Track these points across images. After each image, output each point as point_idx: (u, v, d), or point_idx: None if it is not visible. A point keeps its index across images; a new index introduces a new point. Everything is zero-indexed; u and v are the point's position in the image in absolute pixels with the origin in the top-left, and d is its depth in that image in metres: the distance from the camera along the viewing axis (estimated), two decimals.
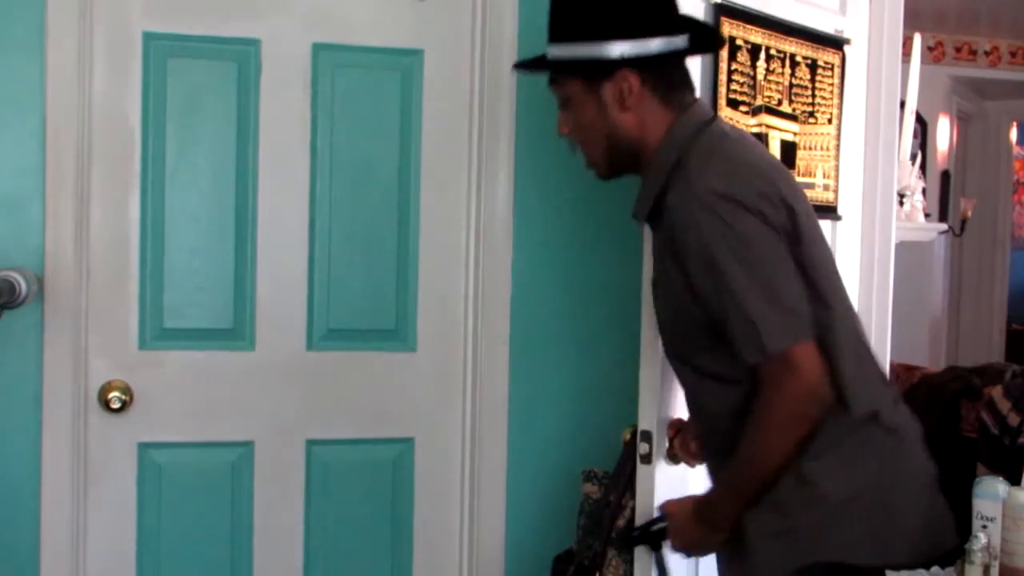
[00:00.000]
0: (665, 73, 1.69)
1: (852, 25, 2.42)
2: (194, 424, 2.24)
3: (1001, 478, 1.74)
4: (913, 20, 2.93)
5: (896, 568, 1.58)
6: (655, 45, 1.65)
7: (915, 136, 4.11)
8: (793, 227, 1.61)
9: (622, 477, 2.02)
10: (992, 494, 1.71)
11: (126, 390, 2.18)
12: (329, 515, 2.32)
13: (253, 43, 2.23)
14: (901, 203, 3.43)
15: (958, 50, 5.87)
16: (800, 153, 2.25)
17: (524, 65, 1.90)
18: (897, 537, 1.63)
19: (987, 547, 1.66)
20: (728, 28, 2.04)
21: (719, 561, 1.79)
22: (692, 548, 1.78)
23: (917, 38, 3.64)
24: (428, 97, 2.32)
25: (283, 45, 2.24)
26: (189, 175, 2.22)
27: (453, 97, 2.32)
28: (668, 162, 1.65)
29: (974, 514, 1.72)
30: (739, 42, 2.07)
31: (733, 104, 2.07)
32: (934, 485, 1.69)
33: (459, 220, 2.33)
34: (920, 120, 4.94)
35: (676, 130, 1.67)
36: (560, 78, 1.73)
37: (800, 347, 1.56)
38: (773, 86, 2.16)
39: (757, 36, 2.11)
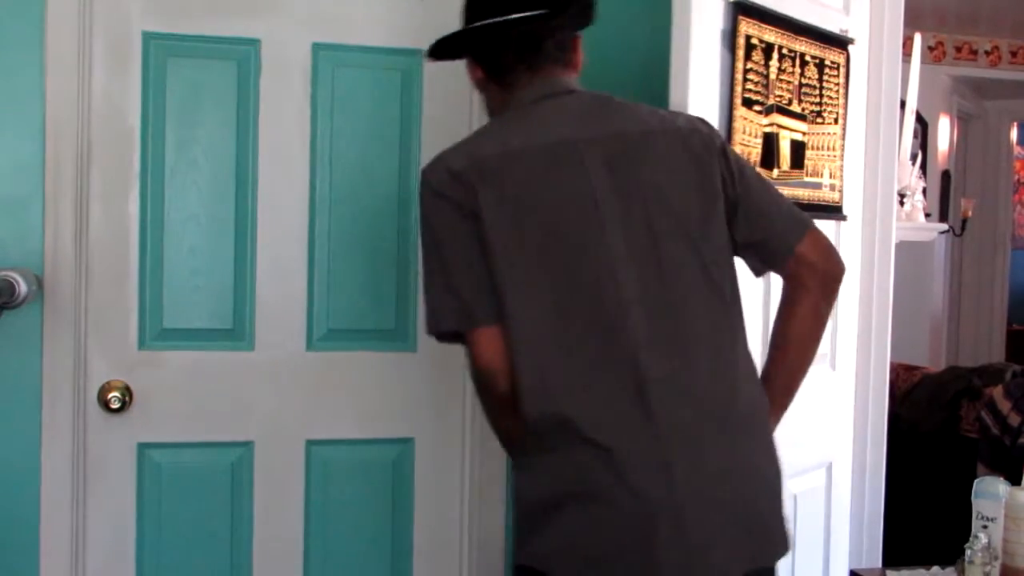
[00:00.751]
0: (493, 62, 1.75)
1: (854, 25, 2.42)
2: (194, 424, 2.24)
3: (1001, 478, 1.75)
4: (913, 20, 2.93)
5: None
6: (462, 35, 1.77)
7: (915, 136, 4.11)
8: (479, 213, 1.59)
9: None
10: (992, 494, 1.71)
11: (126, 390, 2.18)
12: (329, 515, 2.32)
13: (253, 43, 2.23)
14: (901, 203, 3.43)
15: (958, 50, 5.87)
16: (808, 153, 2.25)
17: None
18: (591, 559, 1.56)
19: (987, 547, 1.67)
20: (745, 27, 2.03)
21: None
22: None
23: (917, 38, 3.64)
24: (428, 97, 2.32)
25: (283, 45, 2.24)
26: (189, 175, 2.22)
27: (453, 97, 2.32)
28: None
29: (974, 514, 1.72)
30: (754, 41, 2.06)
31: (748, 103, 2.06)
32: (651, 523, 1.54)
33: None
34: (920, 120, 4.94)
35: (503, 111, 1.76)
36: None
37: (470, 333, 1.62)
38: (784, 85, 2.16)
39: (771, 35, 2.11)
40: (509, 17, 1.68)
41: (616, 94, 1.76)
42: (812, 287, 1.71)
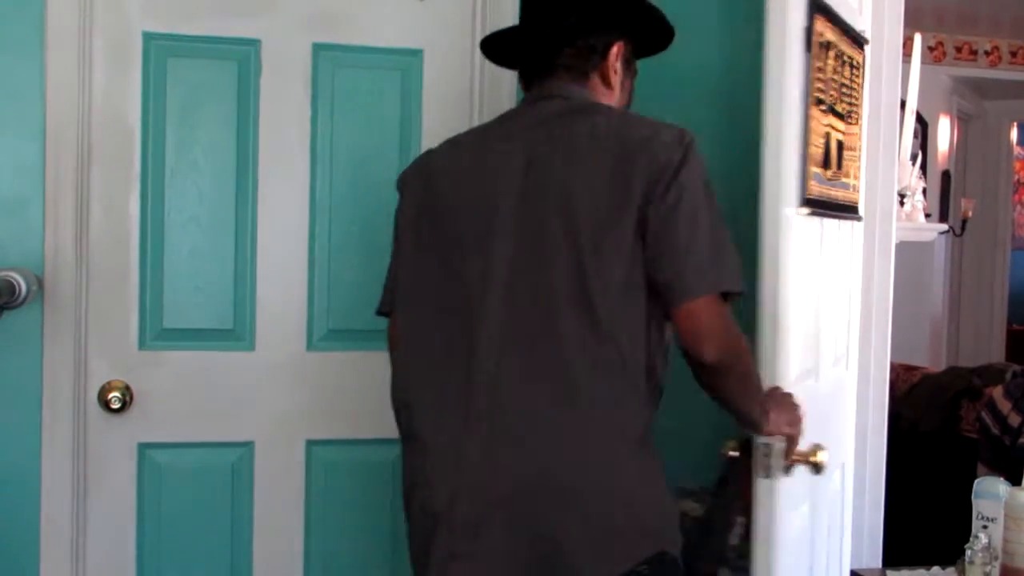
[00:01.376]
0: (519, 63, 1.77)
1: (864, 24, 2.42)
2: (194, 424, 2.24)
3: (1001, 478, 1.75)
4: (913, 20, 2.93)
5: None
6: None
7: (915, 136, 4.11)
8: (400, 210, 1.77)
9: (728, 493, 1.94)
10: (992, 494, 1.71)
11: (126, 390, 2.18)
12: (329, 515, 2.32)
13: (253, 43, 2.23)
14: (901, 203, 3.42)
15: (958, 50, 5.87)
16: (845, 153, 2.24)
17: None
18: (413, 560, 1.66)
19: (988, 547, 1.66)
20: (819, 25, 2.01)
21: None
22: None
23: (917, 38, 3.64)
24: (428, 97, 2.32)
25: (283, 45, 2.24)
26: (189, 175, 2.22)
27: (453, 97, 2.32)
28: None
29: (974, 514, 1.72)
30: (822, 39, 2.04)
31: (817, 103, 2.04)
32: (425, 519, 1.60)
33: None
34: (920, 120, 4.94)
35: None
36: None
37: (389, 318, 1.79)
38: (834, 85, 2.15)
39: (831, 34, 2.09)
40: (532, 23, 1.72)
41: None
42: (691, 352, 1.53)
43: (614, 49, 1.69)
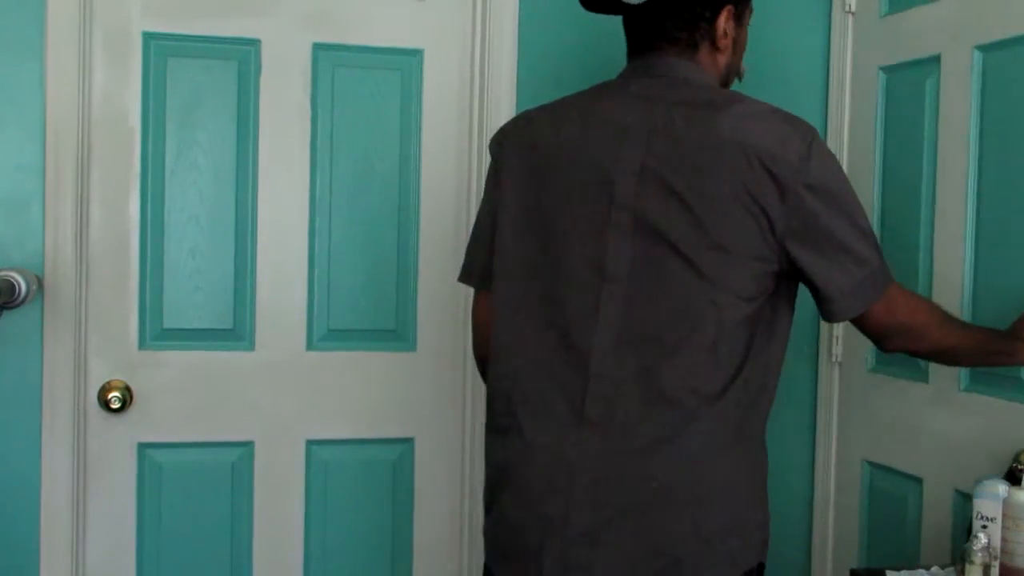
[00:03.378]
0: (628, 32, 1.64)
1: None
2: (194, 424, 2.24)
3: (1001, 478, 1.74)
4: None
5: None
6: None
7: None
8: (500, 175, 1.63)
9: None
10: (992, 494, 1.71)
11: (126, 390, 2.19)
12: (329, 515, 2.32)
13: (253, 43, 2.23)
14: None
15: None
16: None
17: None
18: (500, 552, 1.58)
19: (987, 547, 1.67)
20: None
21: None
22: None
23: None
24: (428, 97, 2.32)
25: (283, 45, 2.24)
26: (189, 175, 2.22)
27: (453, 97, 2.32)
28: None
29: (974, 514, 1.72)
30: None
31: None
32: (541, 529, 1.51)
33: (459, 220, 2.33)
34: None
35: None
36: None
37: (476, 292, 1.70)
38: None
39: None
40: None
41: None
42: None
43: (723, 14, 1.58)
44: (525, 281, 1.57)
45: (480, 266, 1.67)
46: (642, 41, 1.60)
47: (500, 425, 1.59)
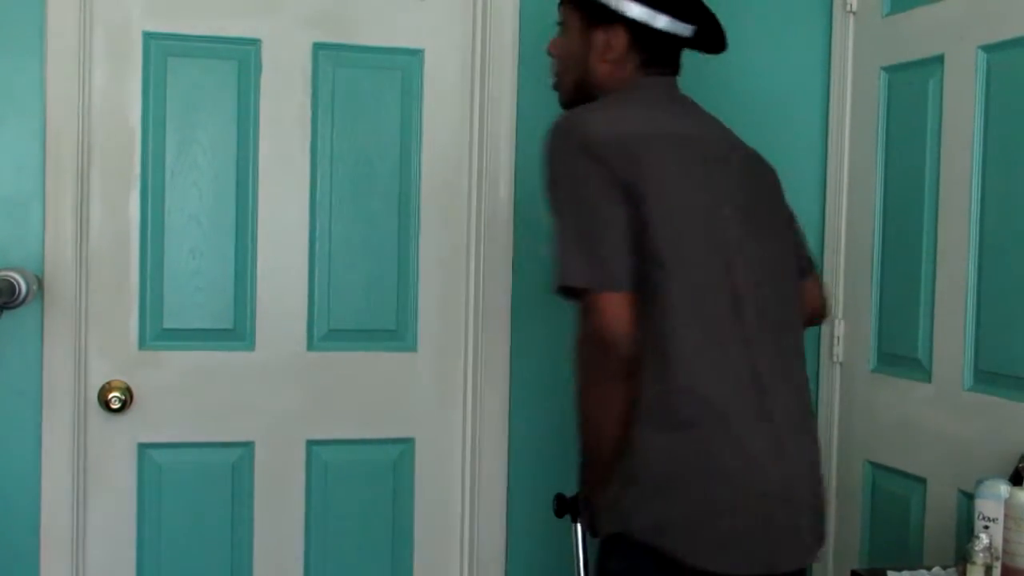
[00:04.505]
0: (656, 49, 1.73)
1: None
2: (194, 424, 2.24)
3: (1005, 478, 1.74)
4: None
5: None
6: (661, 22, 1.71)
7: None
8: (637, 183, 1.59)
9: None
10: (994, 495, 1.71)
11: (126, 390, 2.18)
12: (329, 515, 2.32)
13: (253, 43, 2.23)
14: None
15: None
16: None
17: None
18: (713, 537, 1.56)
19: (989, 548, 1.66)
20: None
21: None
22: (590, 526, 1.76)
23: None
24: (428, 97, 2.32)
25: (283, 45, 2.24)
26: (189, 175, 2.22)
27: (453, 97, 2.32)
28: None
29: (975, 514, 1.72)
30: None
31: None
32: (780, 496, 1.59)
33: (459, 220, 2.33)
34: None
35: (628, 84, 1.73)
36: (570, 3, 1.79)
37: (605, 295, 1.58)
38: None
39: None
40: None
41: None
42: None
43: None
44: (699, 287, 1.63)
45: (622, 269, 1.59)
46: (677, 62, 1.78)
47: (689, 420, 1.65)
